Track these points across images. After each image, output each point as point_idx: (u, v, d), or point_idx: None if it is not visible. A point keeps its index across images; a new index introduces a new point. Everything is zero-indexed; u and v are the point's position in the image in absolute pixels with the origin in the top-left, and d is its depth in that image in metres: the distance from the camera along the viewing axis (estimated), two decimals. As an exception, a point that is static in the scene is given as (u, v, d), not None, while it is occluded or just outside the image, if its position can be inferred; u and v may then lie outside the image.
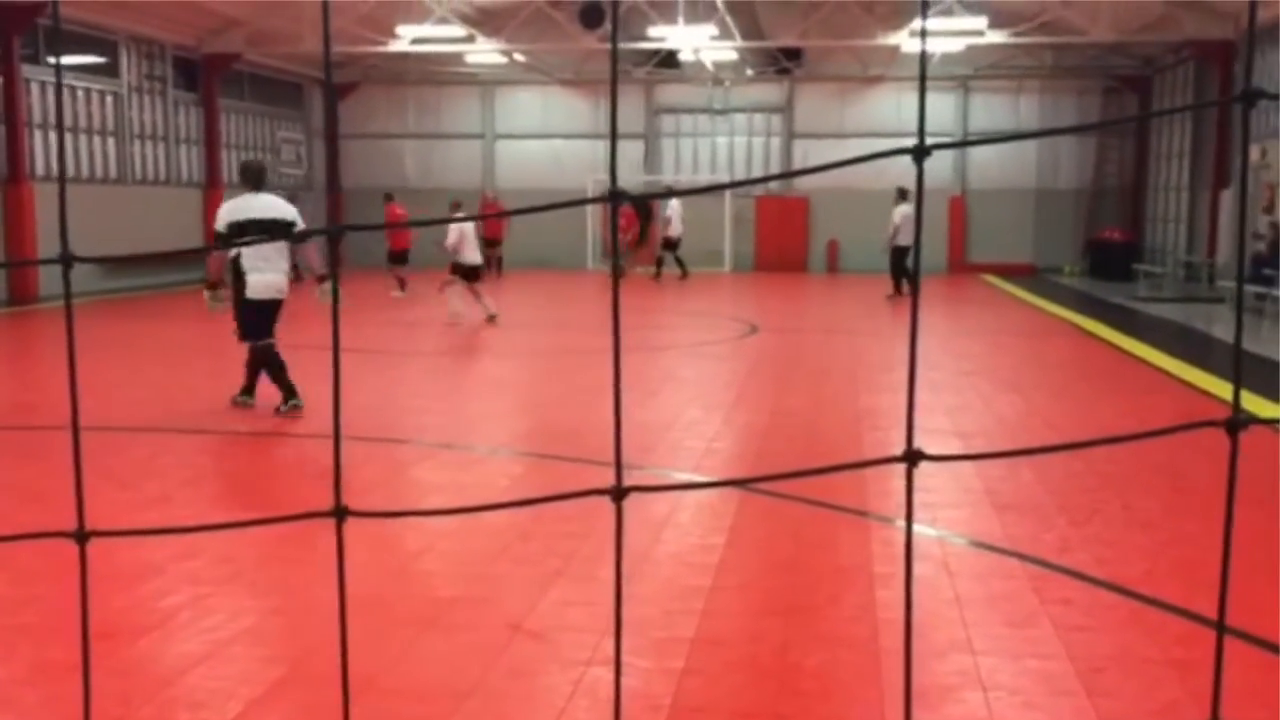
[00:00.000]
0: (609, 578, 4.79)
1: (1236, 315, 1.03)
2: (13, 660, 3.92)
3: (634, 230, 23.52)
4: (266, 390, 8.47)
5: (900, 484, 6.29)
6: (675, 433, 8.00)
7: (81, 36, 19.97)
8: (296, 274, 9.97)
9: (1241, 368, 1.02)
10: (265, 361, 8.32)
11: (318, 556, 5.04)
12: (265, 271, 8.22)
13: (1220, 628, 0.98)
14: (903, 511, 5.79)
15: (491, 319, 14.80)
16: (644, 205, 25.53)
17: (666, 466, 6.92)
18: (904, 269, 18.92)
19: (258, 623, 4.43)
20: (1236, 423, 0.94)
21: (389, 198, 21.56)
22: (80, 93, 20.12)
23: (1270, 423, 1.12)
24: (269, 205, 8.27)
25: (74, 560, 4.10)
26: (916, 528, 5.47)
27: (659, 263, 23.16)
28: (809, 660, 3.99)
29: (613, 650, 3.97)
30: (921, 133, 1.06)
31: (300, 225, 8.48)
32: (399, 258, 19.73)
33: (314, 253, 9.39)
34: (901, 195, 19.04)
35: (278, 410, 8.22)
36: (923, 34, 1.00)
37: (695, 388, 10.25)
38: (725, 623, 4.35)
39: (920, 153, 1.01)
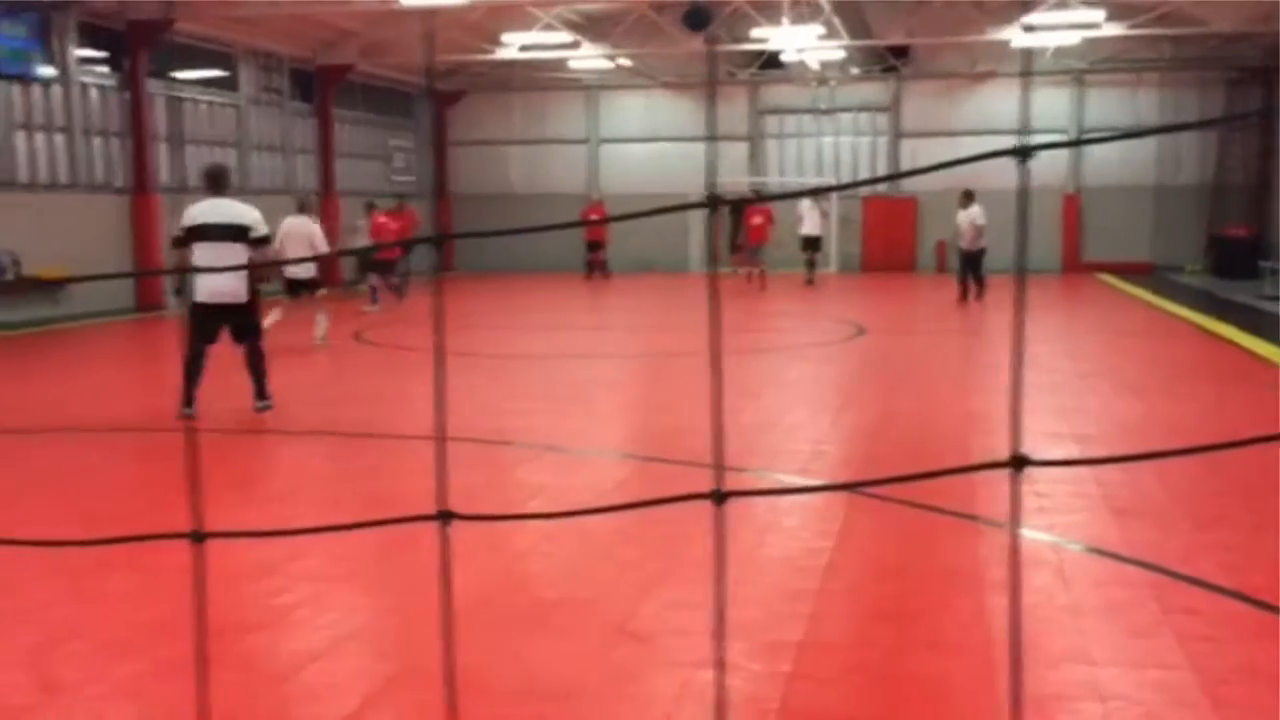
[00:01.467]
0: (712, 580, 4.77)
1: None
2: (141, 655, 4.06)
3: (768, 230, 22.89)
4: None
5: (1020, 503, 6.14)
6: (779, 435, 7.94)
7: (202, 51, 20.68)
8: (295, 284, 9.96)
9: None
10: (188, 366, 8.09)
11: (428, 556, 5.12)
12: (211, 276, 8.08)
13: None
14: (1012, 522, 5.65)
15: (320, 341, 12.90)
16: (739, 208, 25.33)
17: (771, 469, 6.87)
18: (974, 273, 18.07)
19: (370, 621, 4.52)
20: None
21: (371, 206, 18.81)
22: (202, 106, 20.83)
23: None
24: (225, 210, 8.22)
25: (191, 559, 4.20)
26: (1030, 533, 5.35)
27: (808, 265, 22.64)
28: (920, 666, 3.92)
29: (718, 653, 3.95)
30: (1024, 133, 1.03)
31: (260, 231, 8.29)
32: (383, 267, 18.08)
33: (266, 258, 8.96)
34: (968, 198, 18.27)
35: (186, 416, 7.97)
36: (1027, 30, 0.96)
37: (801, 390, 10.17)
38: (833, 626, 4.30)
39: (1023, 153, 0.99)
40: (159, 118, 19.62)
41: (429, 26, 21.26)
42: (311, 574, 4.90)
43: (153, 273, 18.78)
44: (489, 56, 24.03)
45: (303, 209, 13.75)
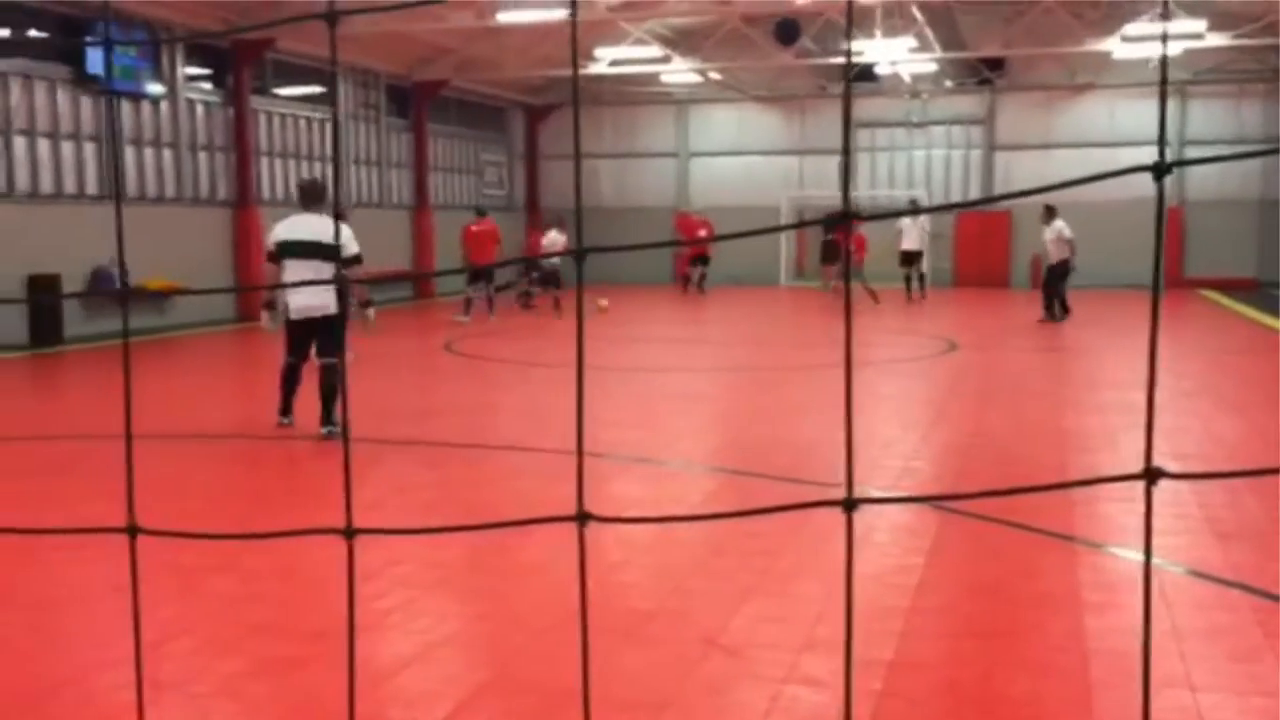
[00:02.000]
0: (803, 594, 4.76)
1: None
2: (241, 655, 4.19)
3: (863, 250, 22.59)
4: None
5: (1112, 507, 6.02)
6: (873, 451, 7.88)
7: (303, 69, 21.23)
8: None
9: None
10: (284, 378, 8.43)
11: (521, 566, 5.20)
12: (301, 293, 8.13)
13: None
14: (1114, 537, 5.54)
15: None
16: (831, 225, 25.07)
17: (864, 484, 6.83)
18: (1057, 290, 17.47)
19: (464, 627, 4.59)
20: None
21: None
22: (302, 121, 21.38)
23: None
24: (311, 227, 8.24)
25: (296, 561, 4.37)
26: (1129, 554, 5.23)
27: (907, 280, 22.22)
28: (1013, 688, 3.87)
29: (809, 667, 3.94)
30: (1162, 149, 1.03)
31: (350, 250, 8.23)
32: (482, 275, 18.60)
33: (358, 276, 8.94)
34: (1050, 213, 17.76)
35: (286, 424, 8.42)
36: (1163, 39, 0.97)
37: (892, 405, 10.07)
38: (925, 645, 4.26)
39: (1161, 170, 0.99)
40: (261, 133, 20.19)
41: (526, 42, 21.48)
42: (407, 580, 5.00)
43: (246, 289, 19.30)
44: (582, 71, 24.26)
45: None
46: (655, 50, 23.34)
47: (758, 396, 10.97)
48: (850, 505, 1.02)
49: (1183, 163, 1.04)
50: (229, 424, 9.27)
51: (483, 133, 28.08)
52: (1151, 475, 0.96)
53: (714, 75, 26.19)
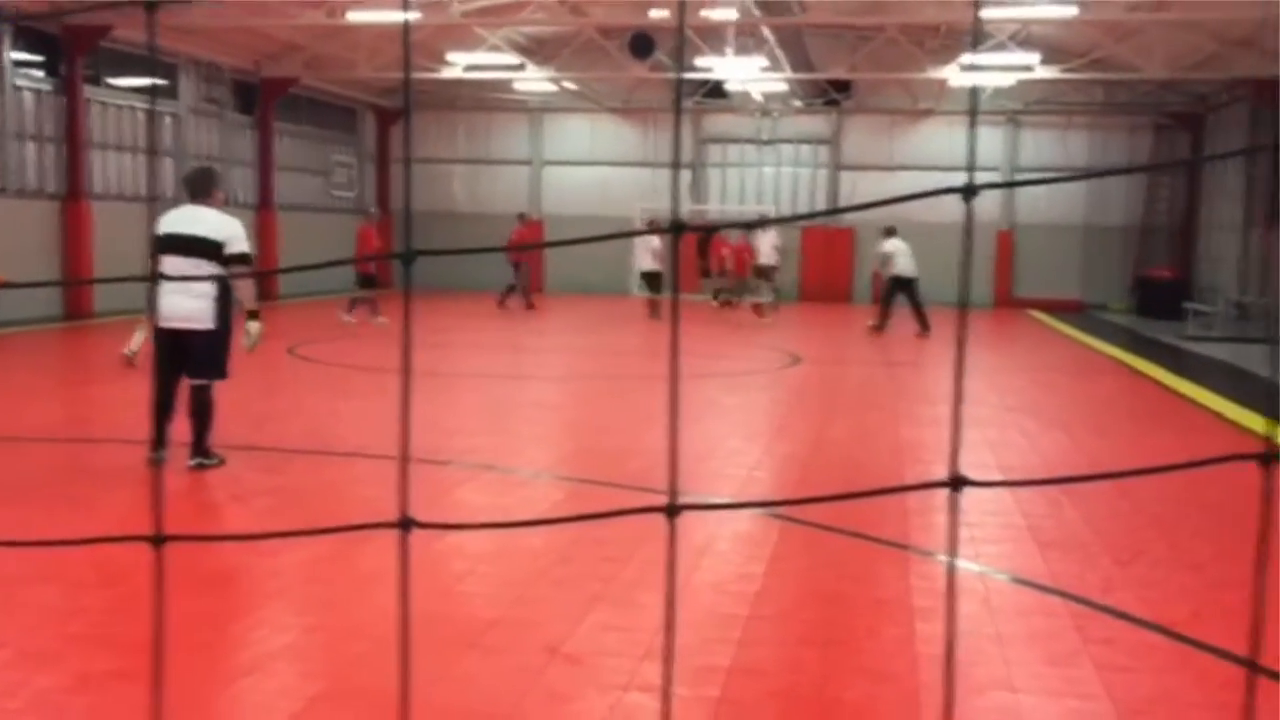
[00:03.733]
0: (647, 602, 4.80)
1: (1272, 350, 1.05)
2: (60, 669, 3.99)
3: (735, 260, 22.94)
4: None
5: (943, 517, 6.25)
6: (716, 461, 8.01)
7: (142, 59, 20.41)
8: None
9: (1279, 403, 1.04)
10: (154, 402, 7.07)
11: (359, 576, 5.10)
12: (172, 294, 6.92)
13: (1253, 666, 0.99)
14: (944, 545, 5.76)
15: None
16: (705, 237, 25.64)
17: (707, 494, 6.93)
18: (893, 301, 18.59)
19: (300, 638, 4.48)
20: (1270, 456, 0.96)
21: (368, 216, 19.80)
22: (140, 114, 20.54)
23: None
24: (195, 220, 7.04)
25: (121, 570, 4.19)
26: (959, 562, 5.44)
27: (755, 292, 22.65)
28: (848, 693, 3.98)
29: (651, 675, 3.98)
30: (971, 171, 1.08)
31: (237, 248, 7.05)
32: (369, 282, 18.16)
33: (244, 282, 7.46)
34: (889, 232, 19.02)
35: (155, 460, 6.90)
36: (972, 68, 1.02)
37: (737, 416, 10.25)
38: (763, 653, 4.35)
39: (969, 191, 1.04)
40: (94, 124, 19.33)
41: (381, 42, 21.17)
42: (243, 590, 4.85)
43: (74, 283, 18.48)
44: (434, 75, 24.00)
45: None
46: (510, 57, 23.27)
47: (607, 405, 11.02)
48: (673, 511, 1.03)
49: (989, 186, 1.09)
50: (48, 427, 8.83)
51: (332, 133, 27.49)
52: (956, 483, 1.01)
53: (569, 85, 26.25)
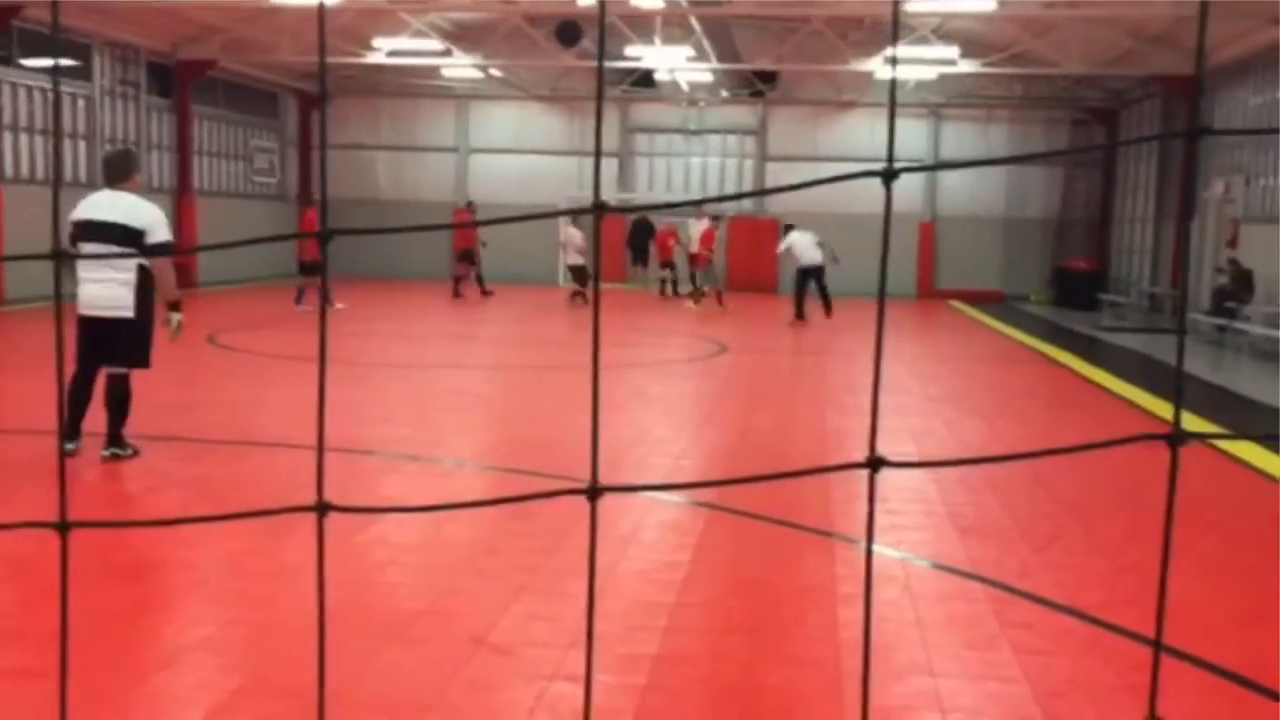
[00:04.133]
0: (574, 592, 4.79)
1: (1179, 339, 1.07)
2: (-32, 665, 3.88)
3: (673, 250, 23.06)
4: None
5: (866, 505, 6.32)
6: (643, 450, 8.02)
7: (55, 39, 19.81)
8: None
9: (1182, 386, 1.07)
10: (70, 392, 6.85)
11: (279, 568, 5.02)
12: (90, 282, 6.76)
13: (1157, 645, 1.01)
14: (866, 532, 5.84)
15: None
16: (646, 225, 25.89)
17: (634, 482, 6.93)
18: (804, 291, 19.14)
19: (218, 631, 4.40)
20: (1176, 438, 0.99)
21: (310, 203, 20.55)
22: (51, 95, 19.95)
23: (1209, 438, 1.16)
24: (108, 206, 6.83)
25: (31, 563, 4.09)
26: (880, 549, 5.52)
27: (692, 279, 22.63)
28: (771, 679, 4.01)
29: (578, 665, 3.97)
30: (890, 156, 1.09)
31: (159, 236, 6.83)
32: (310, 269, 18.29)
33: (164, 270, 7.10)
34: (789, 228, 19.97)
35: (71, 451, 6.82)
36: (893, 61, 1.03)
37: (664, 405, 10.28)
38: (689, 640, 4.36)
39: (888, 175, 1.05)
40: (4, 105, 18.75)
41: (302, 25, 20.80)
42: (159, 582, 4.75)
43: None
44: (359, 60, 23.67)
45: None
46: (435, 43, 23.02)
47: (532, 394, 10.98)
48: (594, 493, 1.03)
49: (908, 169, 1.10)
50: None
51: (254, 118, 26.97)
52: (875, 464, 1.02)
53: (495, 72, 26.06)
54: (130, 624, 4.32)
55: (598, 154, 1.11)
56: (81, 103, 20.75)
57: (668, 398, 10.85)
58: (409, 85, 27.80)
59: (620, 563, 5.24)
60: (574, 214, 1.18)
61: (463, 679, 3.89)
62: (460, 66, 24.97)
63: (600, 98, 1.15)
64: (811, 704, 3.84)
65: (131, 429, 7.06)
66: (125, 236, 6.71)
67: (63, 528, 1.07)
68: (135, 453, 7.03)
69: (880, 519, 6.08)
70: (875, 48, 23.09)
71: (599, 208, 1.06)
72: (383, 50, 23.17)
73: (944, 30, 21.96)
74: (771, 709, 3.79)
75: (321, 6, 0.94)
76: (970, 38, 22.88)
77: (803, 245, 19.20)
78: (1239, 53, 18.92)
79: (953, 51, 21.63)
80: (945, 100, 26.68)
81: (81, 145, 20.70)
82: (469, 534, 5.59)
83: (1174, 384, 1.01)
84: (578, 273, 21.84)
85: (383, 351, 13.58)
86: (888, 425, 9.16)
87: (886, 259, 1.12)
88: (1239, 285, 17.19)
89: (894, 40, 1.10)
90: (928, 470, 7.56)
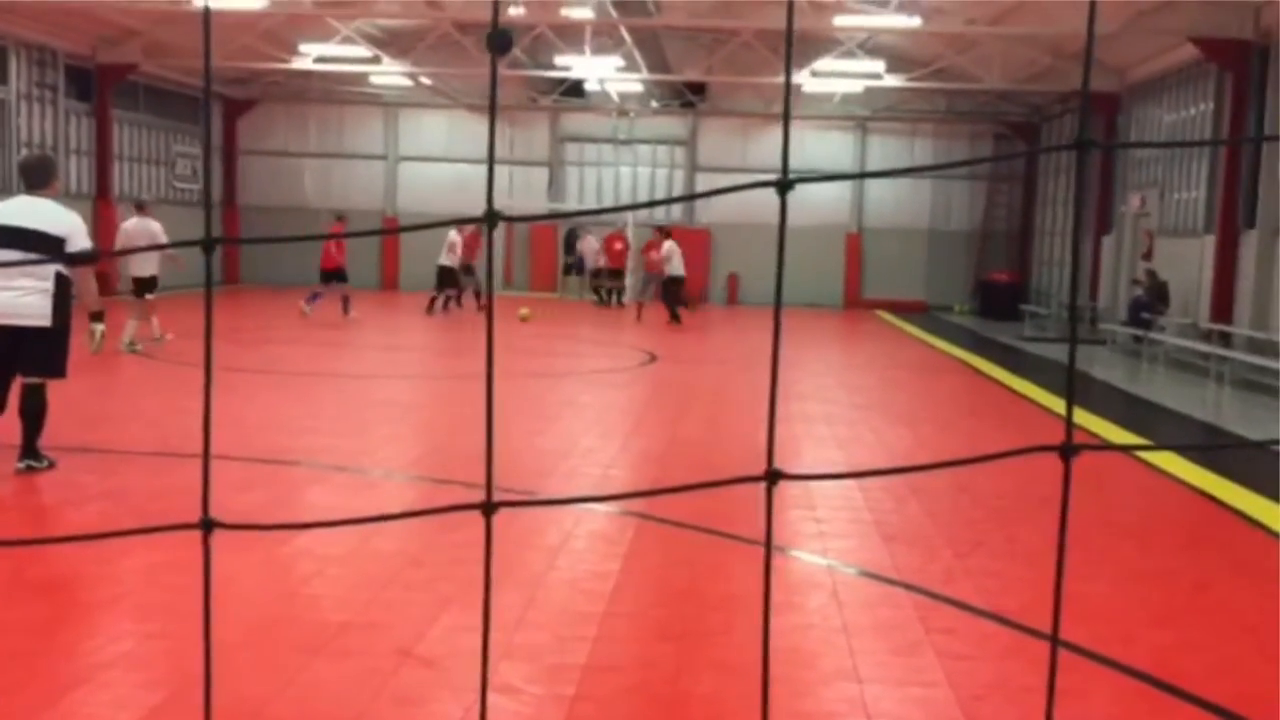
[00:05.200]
0: (502, 602, 4.77)
1: (1070, 350, 1.11)
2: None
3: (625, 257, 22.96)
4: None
5: (794, 514, 6.38)
6: (572, 460, 8.01)
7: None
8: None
9: (1073, 397, 1.12)
10: None
11: (199, 579, 4.92)
12: (2, 291, 6.53)
13: (1054, 641, 1.05)
14: (795, 541, 5.88)
15: (157, 340, 13.73)
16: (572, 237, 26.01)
17: (562, 492, 6.92)
18: (677, 298, 20.27)
19: (137, 646, 4.30)
20: (1069, 449, 1.03)
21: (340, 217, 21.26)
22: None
23: (1100, 449, 1.20)
24: (25, 212, 6.65)
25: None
26: (807, 556, 5.58)
27: (610, 293, 22.90)
28: (699, 687, 4.03)
29: (507, 675, 3.95)
30: (785, 167, 1.12)
31: (79, 244, 6.72)
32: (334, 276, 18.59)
33: (85, 279, 7.01)
34: (665, 234, 21.09)
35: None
36: (786, 71, 1.05)
37: (593, 415, 10.28)
38: (618, 649, 4.37)
39: (783, 186, 1.08)
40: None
41: (210, 31, 20.47)
42: (74, 598, 4.63)
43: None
44: (284, 66, 23.37)
45: (141, 209, 14.03)
46: (364, 50, 22.82)
47: (460, 405, 10.90)
48: (490, 509, 1.03)
49: (802, 180, 1.14)
50: None
51: (176, 123, 26.48)
52: (773, 477, 1.05)
53: (424, 80, 25.90)
54: (43, 639, 4.21)
55: (490, 161, 1.12)
56: (-4, 105, 20.23)
57: (597, 407, 10.85)
58: (337, 92, 27.53)
59: (549, 572, 5.22)
60: (465, 223, 1.18)
61: (390, 692, 3.85)
62: (389, 74, 24.78)
63: (494, 103, 1.16)
64: (739, 711, 3.86)
65: (48, 440, 6.89)
66: (44, 243, 6.53)
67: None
68: (52, 464, 6.86)
69: (807, 526, 6.14)
70: (803, 61, 23.34)
71: (491, 216, 1.07)
72: (310, 56, 22.91)
73: (870, 45, 22.29)
74: (700, 716, 3.81)
75: (207, 10, 0.94)
76: (895, 53, 23.25)
77: (676, 254, 20.38)
78: (1155, 71, 19.47)
79: (878, 66, 21.96)
80: (871, 114, 27.07)
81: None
82: (396, 546, 5.54)
83: (1066, 397, 1.05)
84: (445, 275, 20.26)
85: (308, 361, 13.40)
86: (815, 433, 9.26)
87: (782, 268, 1.14)
88: (1155, 296, 17.65)
89: (787, 52, 1.12)
90: (835, 480, 7.65)
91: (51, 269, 6.57)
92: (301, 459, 7.55)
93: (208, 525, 1.04)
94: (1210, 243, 16.85)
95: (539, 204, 26.97)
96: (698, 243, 27.76)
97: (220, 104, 27.81)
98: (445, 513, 1.10)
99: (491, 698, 3.78)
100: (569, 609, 4.79)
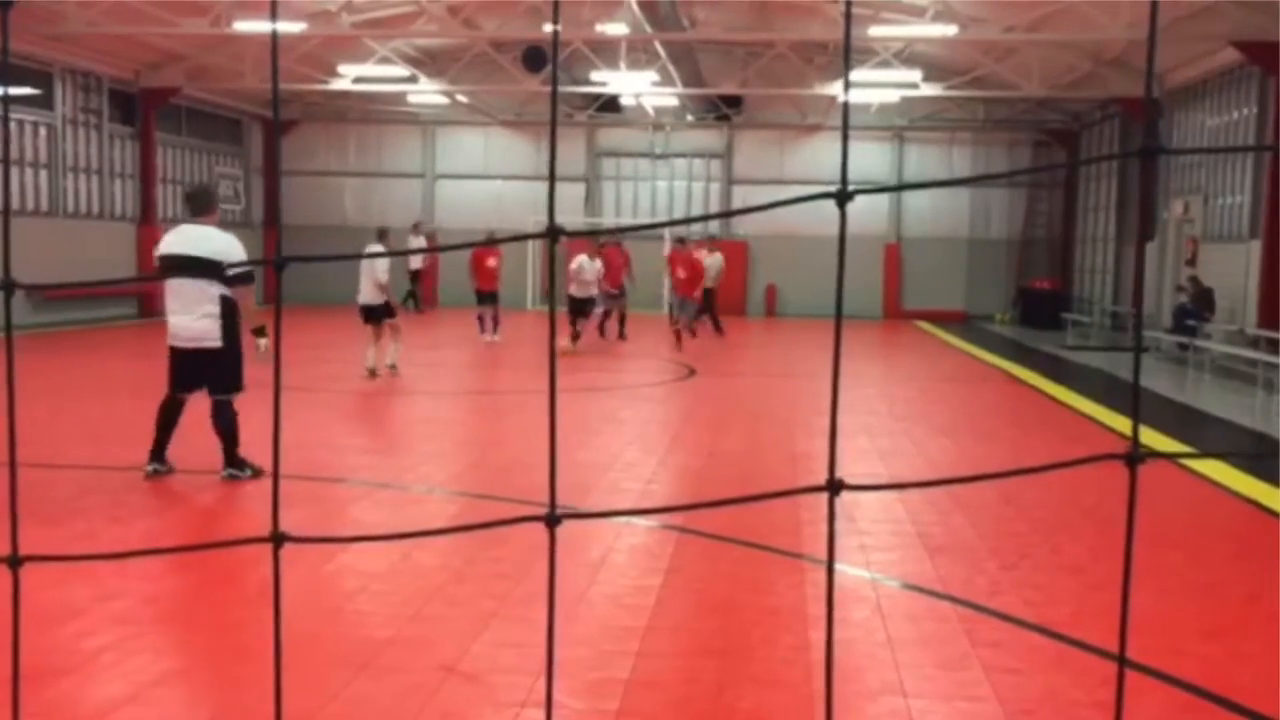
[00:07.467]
0: (543, 619, 4.76)
1: (1134, 356, 1.09)
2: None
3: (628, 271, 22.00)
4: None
5: (836, 526, 6.34)
6: (614, 473, 8.01)
7: (14, 68, 19.69)
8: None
9: (1140, 405, 1.09)
10: (160, 415, 7.39)
11: (247, 597, 4.97)
12: (179, 314, 7.23)
13: (1121, 660, 1.02)
14: (838, 554, 5.84)
15: (390, 369, 13.51)
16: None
17: (603, 506, 6.92)
18: (711, 310, 20.50)
19: (184, 663, 4.34)
20: (1135, 457, 1.01)
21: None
22: (12, 124, 19.80)
23: (1166, 457, 1.18)
24: (189, 240, 7.23)
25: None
26: (851, 570, 5.54)
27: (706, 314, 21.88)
28: (743, 702, 4.01)
29: (545, 692, 3.96)
30: (844, 178, 1.10)
31: (241, 268, 7.38)
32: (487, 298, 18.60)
33: (246, 299, 7.49)
34: (711, 246, 21.19)
35: (152, 472, 7.33)
36: (845, 83, 1.04)
37: (634, 429, 10.28)
38: (660, 664, 4.35)
39: (842, 197, 1.06)
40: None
41: (266, 53, 20.73)
42: (121, 617, 4.69)
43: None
44: (324, 87, 23.64)
45: (382, 237, 14.74)
46: (401, 70, 23.04)
47: (500, 420, 10.95)
48: (554, 520, 1.03)
49: (862, 190, 1.12)
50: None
51: (218, 145, 26.85)
52: (835, 487, 1.04)
53: (461, 98, 26.10)
54: (89, 658, 4.25)
55: (552, 176, 1.12)
56: (43, 131, 20.60)
57: (638, 421, 10.85)
58: (375, 111, 27.79)
59: (591, 587, 5.22)
60: (527, 239, 1.18)
61: (433, 708, 3.86)
62: (426, 93, 24.98)
63: (554, 122, 1.16)
64: (783, 726, 3.83)
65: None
66: (208, 268, 7.10)
67: (14, 562, 1.06)
68: (256, 473, 7.33)
69: (850, 540, 6.10)
70: (839, 72, 23.30)
71: (554, 232, 1.07)
72: (348, 77, 23.16)
73: (907, 54, 22.20)
74: (744, 732, 3.79)
75: (275, 34, 0.95)
76: (932, 61, 23.15)
77: (717, 267, 20.33)
78: (1196, 75, 19.25)
79: (915, 75, 21.87)
80: (908, 123, 26.95)
81: (43, 174, 20.53)
82: (438, 561, 5.56)
83: (1132, 405, 1.03)
84: (579, 305, 17.96)
85: (353, 379, 13.50)
86: (857, 446, 9.20)
87: (843, 279, 1.13)
88: (1200, 303, 17.42)
89: (845, 62, 1.11)
90: (896, 490, 7.60)
91: (216, 292, 7.11)
92: (346, 476, 7.59)
93: (278, 539, 1.05)
94: (1256, 248, 16.62)
95: (577, 220, 27.05)
96: (736, 255, 27.74)
97: (260, 125, 28.15)
98: (509, 525, 1.10)
99: (532, 714, 3.78)
100: (611, 624, 4.78)
